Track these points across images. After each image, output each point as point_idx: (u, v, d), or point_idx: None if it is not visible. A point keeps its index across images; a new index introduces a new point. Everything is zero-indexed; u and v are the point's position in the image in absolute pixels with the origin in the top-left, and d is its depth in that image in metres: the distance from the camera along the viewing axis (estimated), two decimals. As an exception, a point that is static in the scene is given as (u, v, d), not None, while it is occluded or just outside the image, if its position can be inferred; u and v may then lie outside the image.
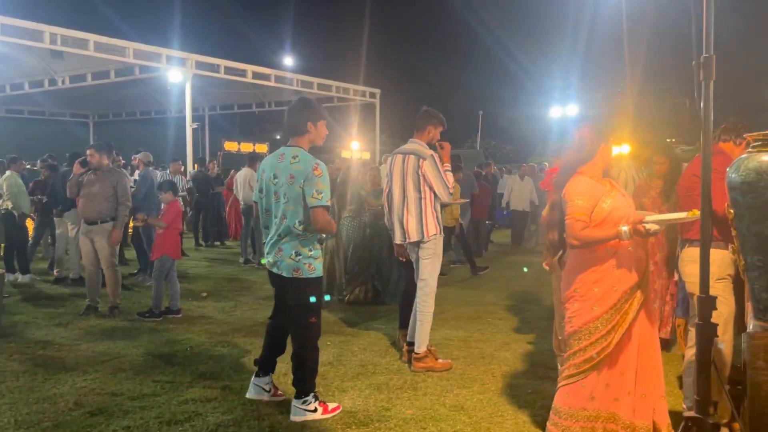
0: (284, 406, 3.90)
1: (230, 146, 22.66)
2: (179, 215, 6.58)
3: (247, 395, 4.02)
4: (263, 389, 4.00)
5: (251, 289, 8.04)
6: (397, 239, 4.79)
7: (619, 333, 3.09)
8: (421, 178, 4.63)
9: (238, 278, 9.01)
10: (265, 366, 4.04)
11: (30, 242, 8.93)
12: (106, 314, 6.41)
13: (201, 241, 12.91)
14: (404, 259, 4.90)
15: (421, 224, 4.65)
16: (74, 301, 7.10)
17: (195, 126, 16.33)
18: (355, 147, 20.88)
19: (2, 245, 8.76)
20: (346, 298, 7.01)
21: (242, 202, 10.54)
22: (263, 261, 3.96)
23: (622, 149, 5.67)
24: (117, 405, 3.94)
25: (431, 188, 4.62)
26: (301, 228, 3.65)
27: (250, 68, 17.69)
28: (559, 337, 3.85)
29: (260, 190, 3.86)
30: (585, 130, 3.30)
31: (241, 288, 8.16)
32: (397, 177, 4.75)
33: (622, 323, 3.10)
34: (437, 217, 4.70)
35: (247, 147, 22.52)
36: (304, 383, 3.77)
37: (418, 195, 4.65)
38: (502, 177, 16.89)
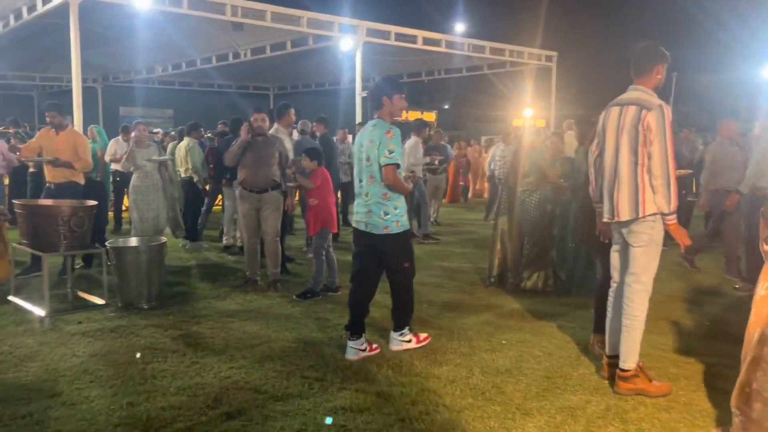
0: None
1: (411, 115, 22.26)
2: (328, 183, 5.95)
3: (346, 356, 4.17)
4: (359, 350, 4.21)
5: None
6: (605, 215, 3.70)
7: None
8: (642, 135, 3.44)
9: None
10: (357, 329, 4.24)
11: (203, 209, 9.02)
12: (264, 288, 6.07)
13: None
14: (607, 240, 3.83)
15: (636, 198, 3.49)
16: (236, 272, 6.89)
17: (365, 94, 16.04)
18: (528, 114, 19.48)
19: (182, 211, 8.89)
20: (523, 284, 6.02)
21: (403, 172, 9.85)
22: (353, 222, 4.37)
23: None
24: (258, 406, 3.39)
25: (650, 152, 3.42)
26: (384, 187, 4.07)
27: (420, 33, 16.96)
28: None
29: (355, 161, 4.27)
30: None
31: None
32: (610, 135, 3.63)
33: None
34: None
35: (414, 115, 21.96)
36: (402, 318, 4.37)
37: (633, 159, 3.49)
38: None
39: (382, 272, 4.31)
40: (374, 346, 4.31)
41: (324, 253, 5.80)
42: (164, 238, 6.00)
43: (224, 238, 8.44)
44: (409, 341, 4.35)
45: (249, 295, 5.90)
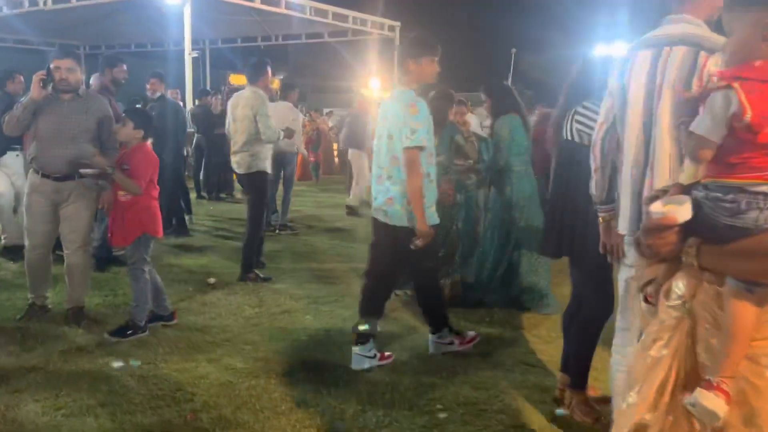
0: None
1: (237, 80, 20.00)
2: (151, 165, 4.12)
3: (430, 351, 3.87)
4: (445, 344, 3.86)
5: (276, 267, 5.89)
6: (621, 225, 2.42)
7: None
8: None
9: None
10: (436, 323, 3.88)
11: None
12: (65, 320, 4.29)
13: (204, 193, 10.73)
14: (617, 261, 2.56)
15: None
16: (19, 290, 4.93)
17: (195, 55, 13.94)
18: (374, 85, 18.55)
19: None
20: None
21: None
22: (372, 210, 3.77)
23: None
24: None
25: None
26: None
27: (256, -9, 15.11)
28: None
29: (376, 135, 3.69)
30: None
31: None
32: (637, 97, 2.30)
33: None
34: None
35: (240, 79, 19.92)
36: (436, 320, 3.88)
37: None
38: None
39: (402, 266, 3.82)
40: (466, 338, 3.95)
41: (146, 269, 4.12)
42: None
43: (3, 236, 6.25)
44: (451, 343, 3.89)
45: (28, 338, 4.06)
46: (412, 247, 3.44)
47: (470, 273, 4.95)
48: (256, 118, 5.28)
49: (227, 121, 5.73)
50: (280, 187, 8.10)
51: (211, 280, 5.45)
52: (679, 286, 1.76)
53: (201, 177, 10.78)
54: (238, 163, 5.49)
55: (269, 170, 5.63)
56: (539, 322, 4.43)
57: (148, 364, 3.64)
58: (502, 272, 4.77)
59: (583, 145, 2.81)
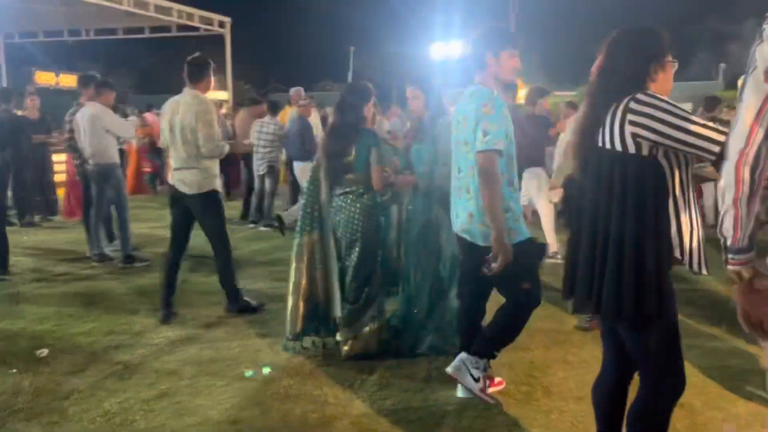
0: None
1: (44, 78, 17.10)
2: None
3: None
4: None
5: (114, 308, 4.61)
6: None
7: None
8: None
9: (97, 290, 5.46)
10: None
11: None
12: None
13: (14, 219, 8.74)
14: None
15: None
16: None
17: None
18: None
19: None
20: (347, 347, 3.89)
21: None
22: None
23: None
24: None
25: None
26: None
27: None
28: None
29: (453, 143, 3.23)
30: None
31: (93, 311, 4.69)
32: None
33: None
34: None
35: (68, 81, 17.21)
36: (486, 345, 3.20)
37: None
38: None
39: (491, 289, 3.33)
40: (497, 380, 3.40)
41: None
42: None
43: None
44: (477, 380, 3.18)
45: None
46: (485, 270, 2.92)
47: (397, 314, 4.14)
48: (198, 127, 4.55)
49: (163, 133, 4.81)
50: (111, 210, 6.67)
51: (42, 352, 4.05)
52: None
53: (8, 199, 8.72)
54: (183, 181, 4.68)
55: (221, 189, 4.98)
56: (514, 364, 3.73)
57: None
58: (438, 306, 3.97)
59: (641, 156, 2.08)
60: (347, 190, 3.85)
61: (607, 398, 2.41)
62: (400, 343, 3.98)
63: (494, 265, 2.89)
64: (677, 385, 2.19)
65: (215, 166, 4.84)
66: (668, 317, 2.11)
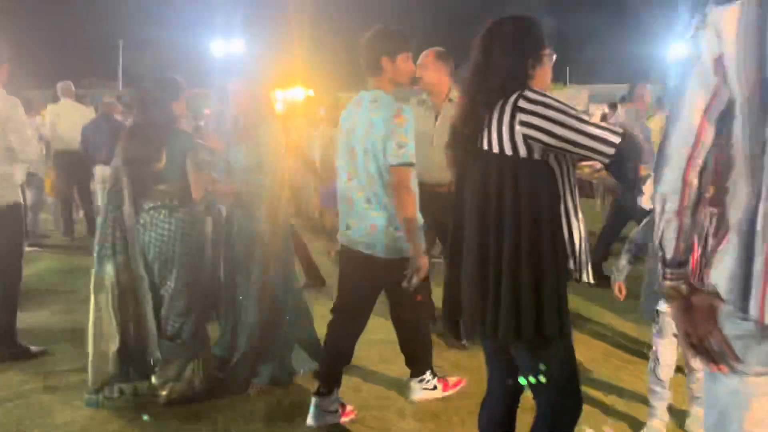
0: None
1: None
2: None
3: (309, 422, 2.97)
4: (329, 411, 3.00)
5: None
6: (726, 294, 1.37)
7: None
8: None
9: None
10: (330, 381, 3.04)
11: None
12: None
13: None
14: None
15: None
16: None
17: None
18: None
19: None
20: (165, 392, 3.20)
21: None
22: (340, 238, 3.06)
23: None
24: None
25: None
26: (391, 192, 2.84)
27: None
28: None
29: (342, 149, 3.02)
30: None
31: None
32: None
33: None
34: None
35: None
36: (419, 362, 3.32)
37: None
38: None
39: (373, 305, 3.12)
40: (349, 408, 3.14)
41: None
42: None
43: None
44: (434, 388, 3.32)
45: None
46: (404, 284, 2.81)
47: (221, 343, 3.58)
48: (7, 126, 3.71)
49: None
50: None
51: None
52: None
53: None
54: None
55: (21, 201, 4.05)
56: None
57: None
58: (275, 330, 3.45)
59: (532, 160, 1.86)
60: (158, 204, 3.20)
61: (496, 423, 2.20)
62: (231, 378, 3.42)
63: (414, 278, 2.81)
64: (576, 406, 2.04)
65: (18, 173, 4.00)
66: (566, 335, 1.94)
